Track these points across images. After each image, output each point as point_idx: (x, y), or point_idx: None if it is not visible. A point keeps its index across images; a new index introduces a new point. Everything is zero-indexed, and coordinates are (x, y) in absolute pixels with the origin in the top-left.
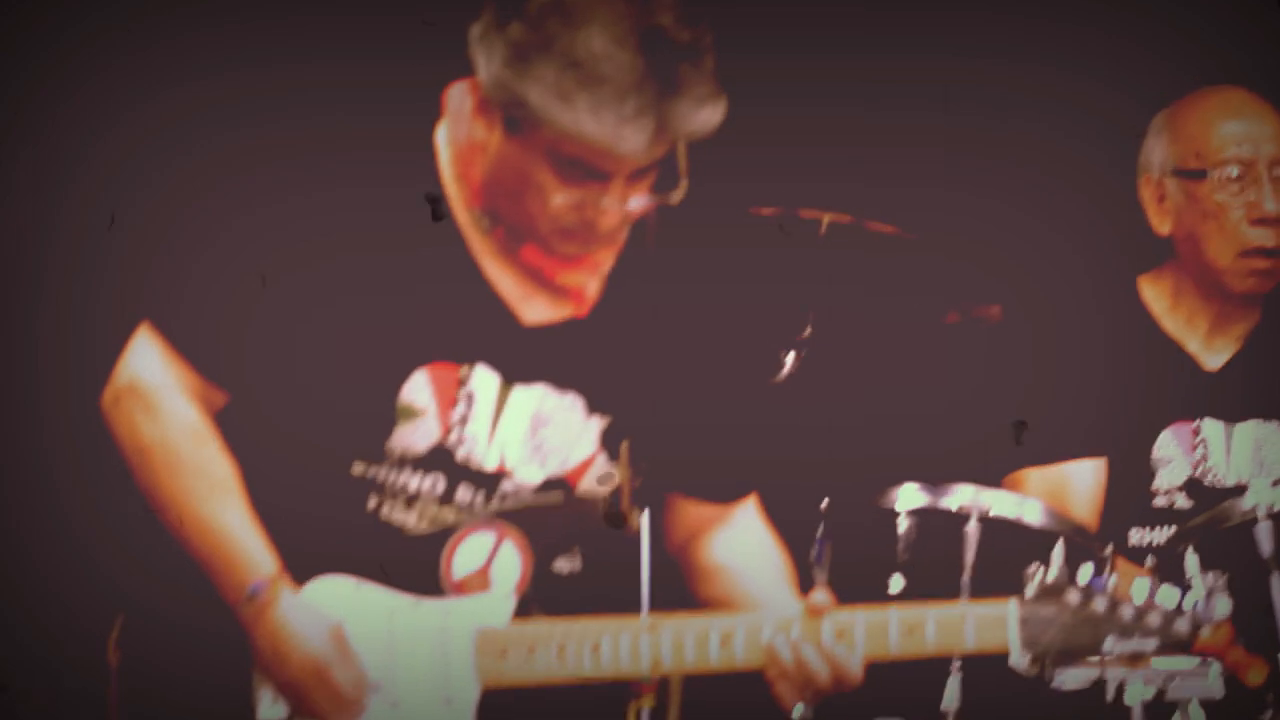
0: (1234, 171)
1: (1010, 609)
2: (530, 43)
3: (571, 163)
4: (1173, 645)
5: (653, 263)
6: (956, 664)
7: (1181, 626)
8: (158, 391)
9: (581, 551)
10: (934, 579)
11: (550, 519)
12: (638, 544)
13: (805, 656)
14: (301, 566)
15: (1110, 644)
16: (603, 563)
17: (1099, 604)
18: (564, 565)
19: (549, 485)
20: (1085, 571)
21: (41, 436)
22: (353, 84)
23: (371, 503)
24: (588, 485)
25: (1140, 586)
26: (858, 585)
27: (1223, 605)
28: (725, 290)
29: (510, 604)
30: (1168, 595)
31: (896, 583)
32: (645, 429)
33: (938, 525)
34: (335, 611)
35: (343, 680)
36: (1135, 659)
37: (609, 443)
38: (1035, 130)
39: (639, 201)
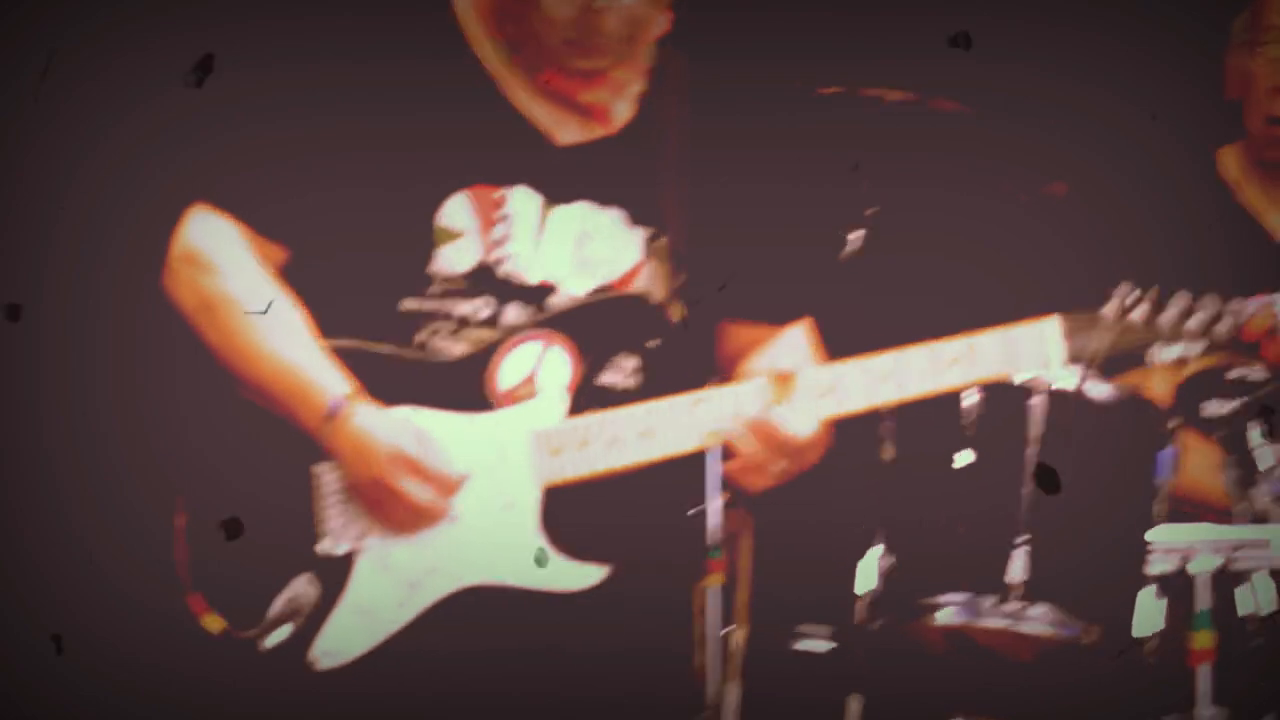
0: (1273, 39)
1: (1052, 323)
2: None
3: None
4: (1218, 347)
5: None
6: (1024, 537)
7: (1223, 327)
8: (216, 251)
9: (634, 351)
10: (1000, 453)
11: (597, 320)
12: (683, 338)
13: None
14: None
15: (1155, 352)
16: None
17: (1138, 314)
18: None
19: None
20: None
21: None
22: None
23: (420, 334)
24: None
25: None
26: (924, 459)
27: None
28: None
29: (562, 405)
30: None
31: (965, 457)
32: (693, 242)
33: (1003, 399)
34: None
35: (432, 467)
36: (1181, 364)
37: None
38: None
39: None
